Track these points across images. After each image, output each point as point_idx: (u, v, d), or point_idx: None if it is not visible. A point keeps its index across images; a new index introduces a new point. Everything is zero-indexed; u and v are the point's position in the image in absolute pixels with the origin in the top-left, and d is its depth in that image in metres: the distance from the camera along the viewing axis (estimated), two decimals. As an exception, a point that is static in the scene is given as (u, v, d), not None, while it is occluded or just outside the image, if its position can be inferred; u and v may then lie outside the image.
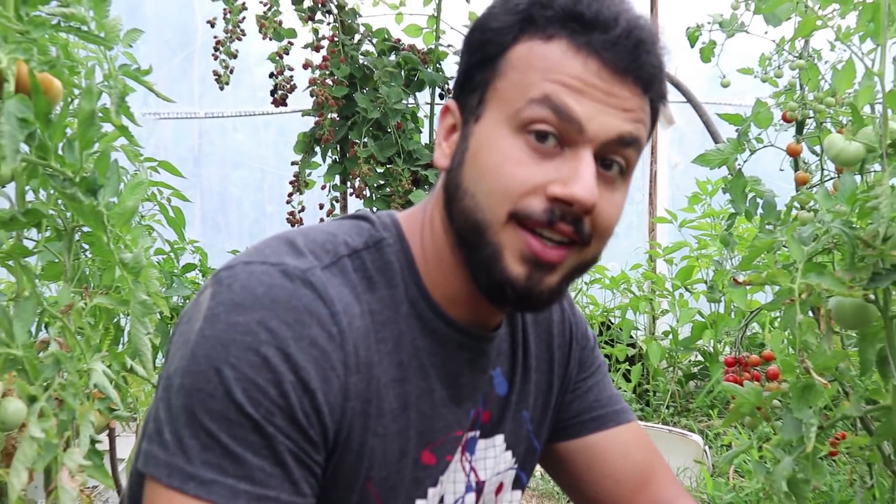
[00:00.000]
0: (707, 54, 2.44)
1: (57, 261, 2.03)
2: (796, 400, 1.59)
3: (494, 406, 1.19)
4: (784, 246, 1.74)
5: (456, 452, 1.14)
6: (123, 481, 2.27)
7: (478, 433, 1.17)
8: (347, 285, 1.01)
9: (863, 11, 1.87)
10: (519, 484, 1.27)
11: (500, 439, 1.21)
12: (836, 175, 2.10)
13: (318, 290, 0.97)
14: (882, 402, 1.77)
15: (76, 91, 1.62)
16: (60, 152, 1.41)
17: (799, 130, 2.39)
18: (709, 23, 2.41)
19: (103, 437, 2.23)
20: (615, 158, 1.00)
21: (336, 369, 0.96)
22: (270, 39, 4.11)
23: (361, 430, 1.00)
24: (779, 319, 2.71)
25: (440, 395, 1.09)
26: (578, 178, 0.95)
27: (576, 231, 0.98)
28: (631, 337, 5.01)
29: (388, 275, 1.06)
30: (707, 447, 3.51)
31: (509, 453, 1.23)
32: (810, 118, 2.29)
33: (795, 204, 2.13)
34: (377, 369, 1.02)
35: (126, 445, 2.37)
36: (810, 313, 1.82)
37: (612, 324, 5.06)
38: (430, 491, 1.11)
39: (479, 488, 1.19)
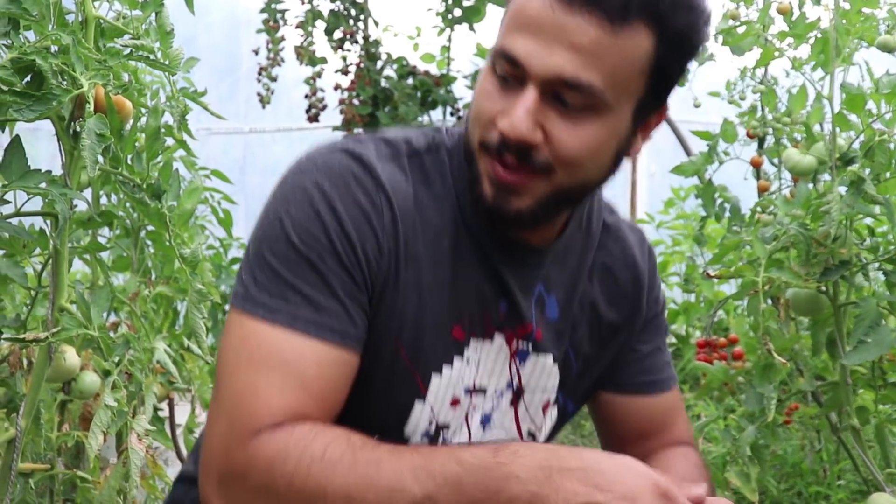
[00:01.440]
0: (682, 80, 2.45)
1: (125, 255, 2.04)
2: (758, 377, 1.59)
3: (545, 328, 1.13)
4: (748, 245, 1.74)
5: (494, 345, 1.10)
6: (181, 444, 2.27)
7: (530, 346, 1.13)
8: (401, 171, 1.02)
9: (814, 44, 1.87)
10: (564, 411, 1.21)
11: (549, 359, 1.15)
12: (793, 184, 2.10)
13: (368, 166, 0.98)
14: (830, 378, 1.77)
15: (144, 110, 1.63)
16: (130, 162, 1.42)
17: (760, 145, 2.40)
18: (683, 53, 2.41)
19: (164, 405, 2.24)
20: (565, 98, 0.91)
21: (375, 230, 0.97)
22: (306, 65, 4.12)
23: (392, 292, 1.00)
24: (742, 308, 2.72)
25: (474, 283, 1.06)
26: (509, 113, 0.92)
27: (519, 161, 0.94)
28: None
29: (442, 174, 1.05)
30: (680, 417, 3.50)
31: (557, 376, 1.17)
32: (770, 135, 2.29)
33: (758, 208, 2.14)
34: (417, 246, 1.01)
35: (183, 413, 2.38)
36: (771, 302, 1.82)
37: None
38: (456, 362, 1.07)
39: (518, 392, 1.14)
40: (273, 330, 0.92)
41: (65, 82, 1.32)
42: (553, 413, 1.20)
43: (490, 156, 0.95)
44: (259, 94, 4.19)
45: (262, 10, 4.14)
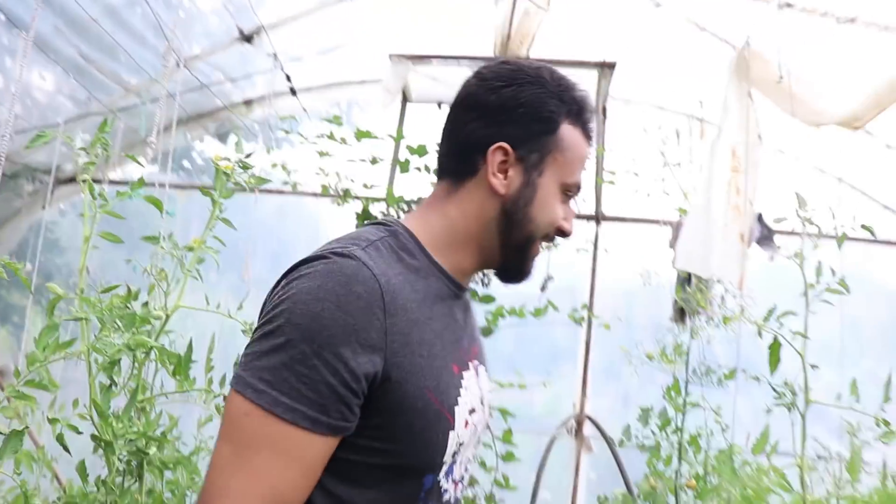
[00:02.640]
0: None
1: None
2: None
3: (479, 346, 1.22)
4: None
5: (470, 370, 1.13)
6: None
7: (478, 362, 1.18)
8: (382, 258, 1.01)
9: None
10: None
11: (484, 369, 1.22)
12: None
13: (362, 260, 0.97)
14: None
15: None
16: None
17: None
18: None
19: None
20: None
21: (377, 315, 0.94)
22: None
23: (409, 355, 0.97)
24: None
25: (456, 325, 1.12)
26: (570, 219, 1.15)
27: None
28: None
29: (408, 250, 1.07)
30: None
31: (488, 379, 1.24)
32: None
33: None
34: (415, 312, 1.00)
35: None
36: None
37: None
38: (462, 394, 1.08)
39: (482, 404, 1.16)
40: (258, 412, 0.90)
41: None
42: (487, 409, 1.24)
43: (541, 243, 1.15)
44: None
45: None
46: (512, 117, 1.10)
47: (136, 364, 1.65)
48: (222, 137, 4.49)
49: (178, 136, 4.37)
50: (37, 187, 4.34)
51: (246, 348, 0.96)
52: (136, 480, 1.65)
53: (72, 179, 4.30)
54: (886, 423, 1.55)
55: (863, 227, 1.98)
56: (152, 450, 1.58)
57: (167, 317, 1.66)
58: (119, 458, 1.63)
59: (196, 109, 4.23)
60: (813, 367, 1.65)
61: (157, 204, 1.84)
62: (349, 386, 0.92)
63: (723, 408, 2.20)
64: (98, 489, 1.58)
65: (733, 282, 2.07)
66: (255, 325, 0.99)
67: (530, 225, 1.11)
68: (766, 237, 3.17)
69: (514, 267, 1.16)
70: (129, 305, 1.63)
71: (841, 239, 1.59)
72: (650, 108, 3.85)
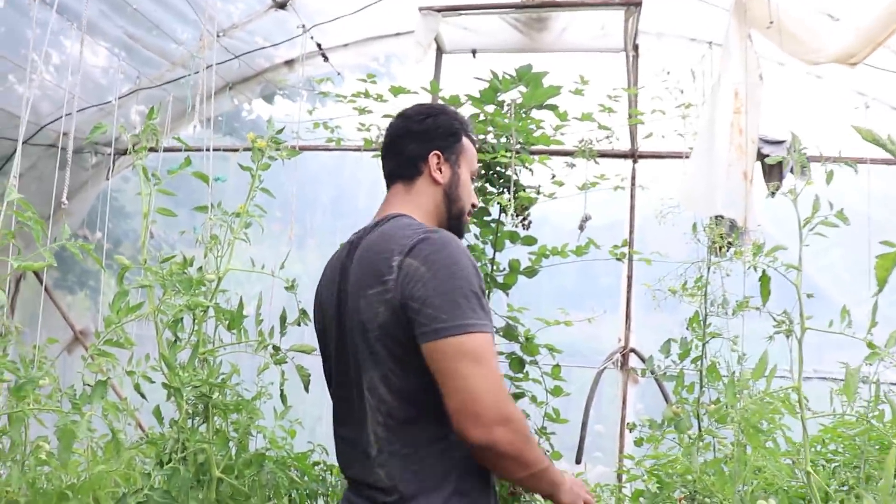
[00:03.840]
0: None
1: None
2: None
3: None
4: None
5: None
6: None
7: None
8: None
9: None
10: None
11: None
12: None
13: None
14: None
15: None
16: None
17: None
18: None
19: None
20: None
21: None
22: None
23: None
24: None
25: None
26: (474, 197, 1.77)
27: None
28: None
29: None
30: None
31: None
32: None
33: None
34: None
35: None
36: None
37: None
38: None
39: None
40: (484, 337, 1.40)
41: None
42: None
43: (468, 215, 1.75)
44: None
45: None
46: (436, 136, 1.70)
47: (196, 321, 1.92)
48: (268, 98, 4.74)
49: (226, 100, 4.63)
50: (99, 159, 4.70)
51: (433, 308, 1.42)
52: (203, 421, 1.95)
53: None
54: (872, 346, 1.70)
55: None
56: (215, 394, 1.87)
57: (219, 279, 1.92)
58: (187, 402, 1.91)
59: (241, 74, 4.47)
60: (809, 296, 1.80)
61: (204, 178, 2.09)
62: (488, 308, 1.47)
63: (748, 338, 2.35)
64: (171, 427, 1.88)
65: (738, 219, 2.21)
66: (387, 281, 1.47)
67: (460, 201, 1.72)
68: (802, 166, 3.23)
69: (455, 231, 1.68)
70: (185, 271, 1.90)
71: None
72: (682, 40, 3.89)
